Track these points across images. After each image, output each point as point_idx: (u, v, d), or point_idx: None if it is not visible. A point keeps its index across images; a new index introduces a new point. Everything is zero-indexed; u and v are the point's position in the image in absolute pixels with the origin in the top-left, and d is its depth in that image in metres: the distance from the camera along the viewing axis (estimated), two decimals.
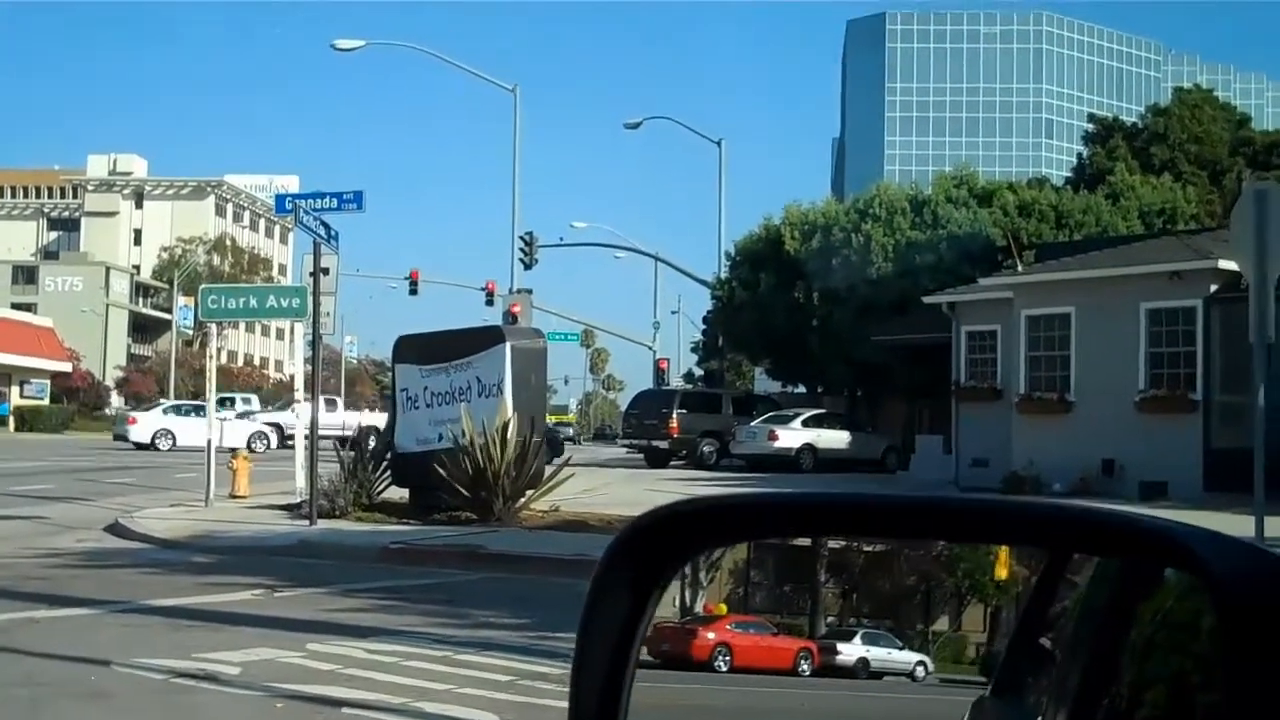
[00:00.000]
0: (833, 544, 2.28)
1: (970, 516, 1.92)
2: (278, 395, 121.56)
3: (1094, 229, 45.80)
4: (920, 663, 2.28)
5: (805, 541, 2.28)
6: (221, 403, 55.72)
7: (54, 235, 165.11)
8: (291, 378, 33.52)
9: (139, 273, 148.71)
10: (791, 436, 44.22)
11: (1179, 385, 31.22)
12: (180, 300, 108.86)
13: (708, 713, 2.36)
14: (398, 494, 25.08)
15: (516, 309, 49.52)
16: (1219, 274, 30.68)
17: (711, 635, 2.27)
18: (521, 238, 58.99)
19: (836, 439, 44.97)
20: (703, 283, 62.85)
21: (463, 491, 22.55)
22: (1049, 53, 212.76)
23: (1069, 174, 68.73)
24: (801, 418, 45.72)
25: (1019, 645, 2.26)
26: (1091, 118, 75.64)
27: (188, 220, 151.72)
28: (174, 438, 61.40)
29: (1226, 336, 30.67)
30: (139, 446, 60.92)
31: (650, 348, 78.47)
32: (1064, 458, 31.32)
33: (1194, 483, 29.43)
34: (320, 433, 23.42)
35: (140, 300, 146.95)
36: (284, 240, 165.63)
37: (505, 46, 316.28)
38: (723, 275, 57.34)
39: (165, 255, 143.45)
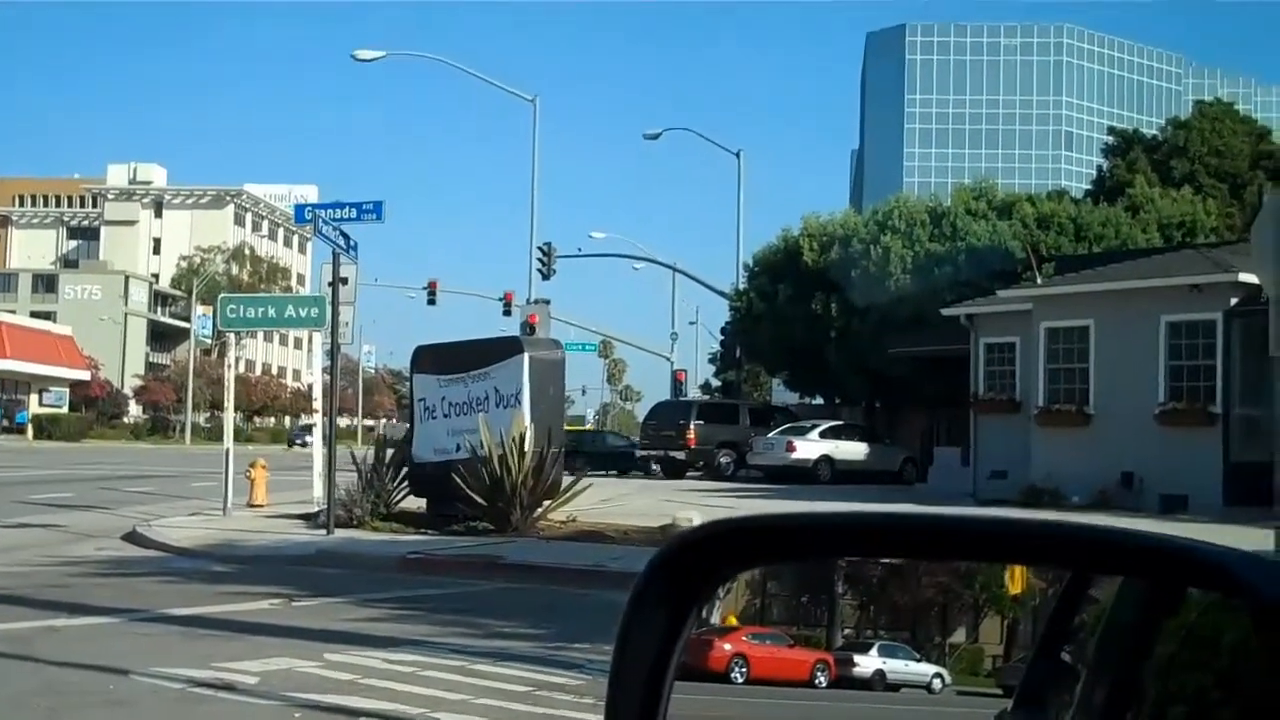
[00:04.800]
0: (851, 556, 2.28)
1: (1026, 537, 1.91)
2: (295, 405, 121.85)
3: (1113, 242, 45.72)
4: (937, 675, 2.28)
5: (828, 559, 2.28)
6: None
7: (73, 244, 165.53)
8: (310, 387, 33.57)
9: (158, 281, 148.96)
10: (809, 448, 44.20)
11: (1199, 398, 31.13)
12: (199, 309, 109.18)
13: None
14: (415, 504, 25.10)
15: (534, 319, 49.58)
16: (1239, 287, 30.60)
17: (728, 646, 2.27)
18: (540, 248, 59.01)
19: (854, 450, 44.95)
20: (721, 294, 62.90)
21: (480, 501, 22.56)
22: (1069, 65, 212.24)
23: (1089, 186, 68.64)
24: (819, 429, 45.71)
25: (1041, 660, 2.26)
26: (1111, 130, 75.62)
27: (207, 229, 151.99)
28: None
29: (1247, 350, 30.58)
30: None
31: (668, 358, 78.50)
32: (1083, 470, 31.22)
33: (1214, 496, 29.34)
34: None
35: (159, 309, 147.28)
36: (303, 250, 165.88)
37: (525, 57, 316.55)
38: (741, 286, 57.33)
39: (184, 264, 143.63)
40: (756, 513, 2.06)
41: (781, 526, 2.04)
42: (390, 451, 25.79)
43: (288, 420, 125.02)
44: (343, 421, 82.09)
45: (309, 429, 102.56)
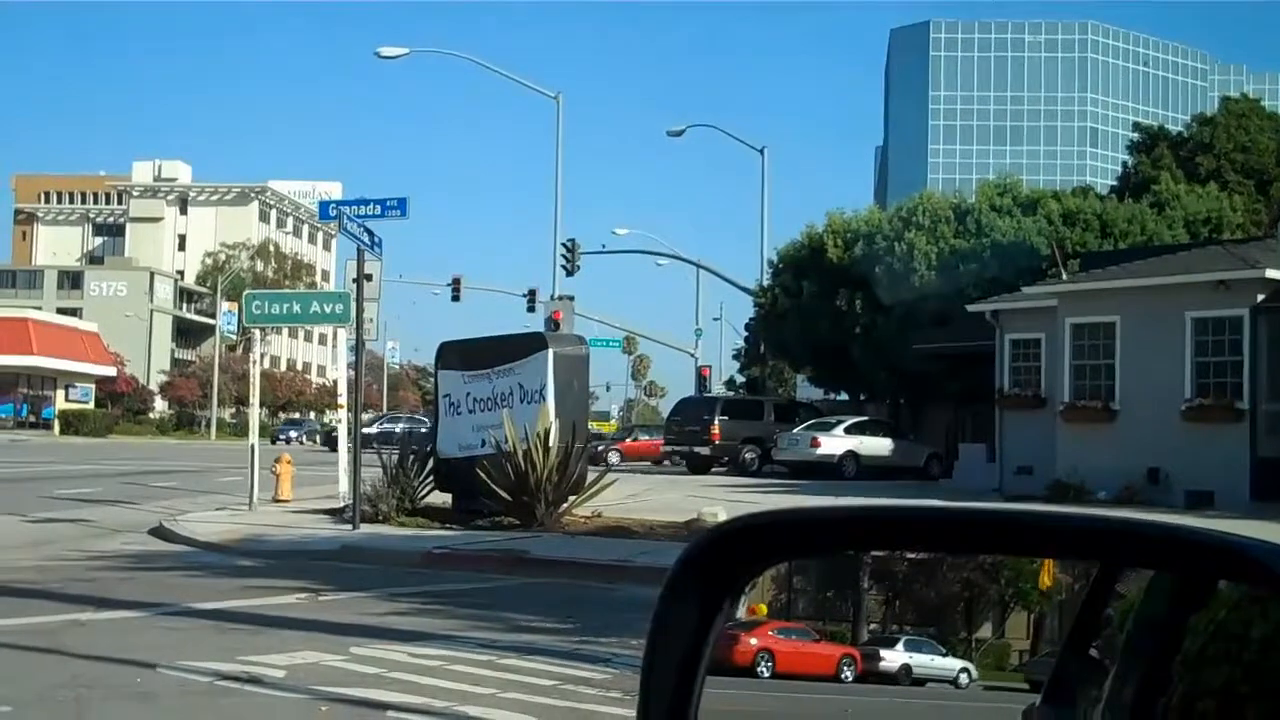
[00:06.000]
0: (876, 551, 2.28)
1: (1054, 530, 1.91)
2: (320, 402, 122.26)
3: (1139, 238, 45.52)
4: (964, 670, 2.28)
5: (862, 552, 2.28)
6: None
7: (99, 240, 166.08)
8: (334, 383, 33.70)
9: (183, 278, 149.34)
10: (834, 443, 44.15)
11: (1225, 394, 31.01)
12: (224, 305, 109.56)
13: (753, 718, 2.36)
14: (440, 499, 25.15)
15: (559, 315, 49.53)
16: (1266, 283, 30.49)
17: (754, 641, 2.27)
18: (564, 244, 59.03)
19: (879, 446, 44.87)
20: (745, 290, 62.79)
21: (505, 497, 22.60)
22: (1094, 61, 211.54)
23: (1114, 183, 68.33)
24: (844, 425, 45.64)
25: (1069, 655, 2.26)
26: (1137, 126, 75.14)
27: (232, 226, 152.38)
28: None
29: (1273, 345, 30.50)
30: None
31: (692, 354, 78.50)
32: (1109, 466, 31.14)
33: (1240, 492, 29.24)
34: None
35: (184, 305, 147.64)
36: (327, 246, 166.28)
37: (548, 54, 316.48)
38: (765, 283, 57.21)
39: (209, 261, 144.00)
40: (788, 506, 2.07)
41: (813, 520, 2.05)
42: (415, 447, 25.86)
43: (312, 415, 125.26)
44: (367, 417, 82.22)
45: (294, 424, 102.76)
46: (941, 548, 2.16)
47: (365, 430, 69.55)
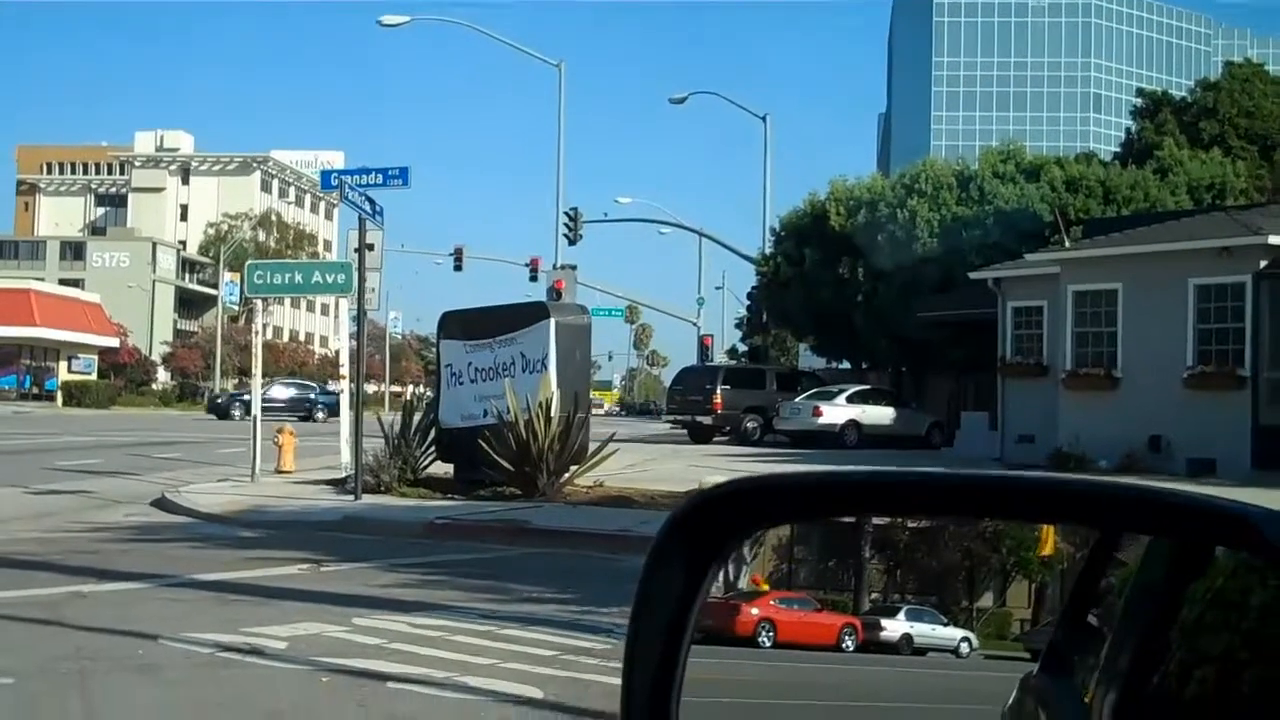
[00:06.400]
0: (877, 520, 2.27)
1: (1050, 495, 1.90)
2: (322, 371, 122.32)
3: (1142, 204, 45.45)
4: (964, 639, 2.27)
5: (850, 518, 2.27)
6: None
7: (101, 211, 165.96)
8: (336, 353, 33.69)
9: (185, 248, 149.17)
10: (836, 412, 44.16)
11: (1227, 361, 30.98)
12: (226, 276, 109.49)
13: (755, 688, 2.36)
14: (442, 469, 25.18)
15: (561, 285, 49.54)
16: (1269, 250, 30.43)
17: (755, 611, 2.27)
18: (566, 213, 59.01)
19: (881, 415, 44.88)
20: (747, 258, 62.77)
21: (507, 467, 22.61)
22: (1097, 26, 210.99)
23: (1117, 149, 68.29)
24: (846, 394, 45.66)
25: (1067, 623, 2.25)
26: (1140, 92, 74.98)
27: (234, 196, 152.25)
28: None
29: (1276, 312, 30.46)
30: None
31: (694, 323, 78.59)
32: (1110, 434, 31.14)
33: (1242, 460, 29.25)
34: None
35: (187, 276, 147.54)
36: (329, 216, 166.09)
37: (551, 22, 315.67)
38: (767, 251, 57.19)
39: (211, 231, 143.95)
40: (776, 471, 2.06)
41: (800, 485, 2.04)
42: (417, 417, 25.88)
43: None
44: (370, 388, 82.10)
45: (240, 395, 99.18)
46: (930, 513, 2.15)
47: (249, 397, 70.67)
